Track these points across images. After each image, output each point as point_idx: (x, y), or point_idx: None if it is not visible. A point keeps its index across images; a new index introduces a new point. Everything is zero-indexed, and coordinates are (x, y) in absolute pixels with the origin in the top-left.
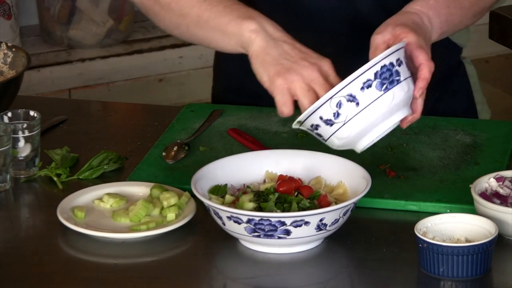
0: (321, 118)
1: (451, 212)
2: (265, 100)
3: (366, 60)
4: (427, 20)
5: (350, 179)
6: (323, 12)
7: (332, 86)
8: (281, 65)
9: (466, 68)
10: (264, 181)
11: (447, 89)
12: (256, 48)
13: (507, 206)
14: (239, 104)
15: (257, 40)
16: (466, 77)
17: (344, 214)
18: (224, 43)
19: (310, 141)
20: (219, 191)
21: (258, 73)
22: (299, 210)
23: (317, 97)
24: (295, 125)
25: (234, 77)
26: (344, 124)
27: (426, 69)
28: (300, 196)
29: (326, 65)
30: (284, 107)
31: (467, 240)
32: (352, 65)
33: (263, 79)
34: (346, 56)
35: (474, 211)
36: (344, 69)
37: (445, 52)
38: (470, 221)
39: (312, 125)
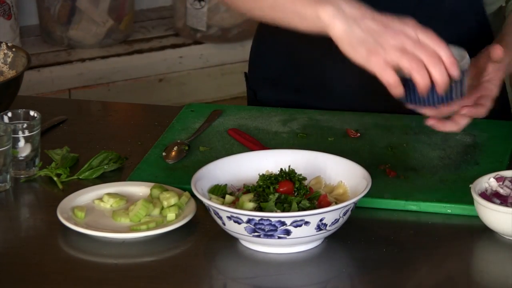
0: None
1: (451, 212)
2: (303, 94)
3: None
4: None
5: (350, 179)
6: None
7: (423, 45)
8: (369, 43)
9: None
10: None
11: None
12: (340, 32)
13: (507, 206)
14: (276, 97)
15: (337, 23)
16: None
17: (344, 214)
18: (302, 26)
19: (310, 141)
20: (219, 191)
21: (349, 55)
22: (299, 210)
23: (415, 55)
24: None
25: (273, 69)
26: None
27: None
28: (300, 196)
29: (411, 27)
30: (389, 79)
31: None
32: None
33: (358, 61)
34: None
35: (474, 211)
36: None
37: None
38: None
39: None
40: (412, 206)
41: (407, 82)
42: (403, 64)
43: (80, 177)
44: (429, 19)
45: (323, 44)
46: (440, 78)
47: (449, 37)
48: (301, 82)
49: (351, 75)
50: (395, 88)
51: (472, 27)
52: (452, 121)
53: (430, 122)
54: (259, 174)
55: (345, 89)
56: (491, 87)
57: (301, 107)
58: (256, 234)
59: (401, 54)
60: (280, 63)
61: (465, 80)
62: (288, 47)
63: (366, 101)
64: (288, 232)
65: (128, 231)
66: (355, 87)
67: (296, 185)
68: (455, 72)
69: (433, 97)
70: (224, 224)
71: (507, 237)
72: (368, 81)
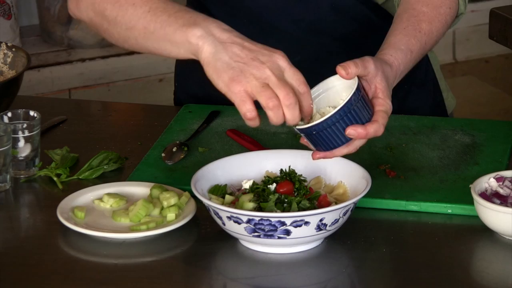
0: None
1: (452, 212)
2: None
3: (333, 67)
4: (398, 75)
5: (350, 179)
6: (286, 23)
7: (285, 81)
8: (233, 69)
9: (429, 56)
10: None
11: (415, 79)
12: (206, 55)
13: (507, 206)
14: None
15: (205, 46)
16: (430, 65)
17: (344, 214)
18: (174, 52)
19: None
20: (219, 191)
21: (213, 80)
22: (299, 210)
23: (274, 93)
24: None
25: (198, 86)
26: None
27: (374, 128)
28: (300, 196)
29: (280, 59)
30: (247, 112)
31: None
32: (320, 71)
33: (219, 86)
34: (315, 63)
35: (474, 211)
36: (313, 76)
37: None
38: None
39: None
40: (413, 206)
41: (307, 131)
42: (260, 100)
43: (80, 177)
44: (320, 13)
45: None
46: (291, 121)
47: (347, 27)
48: (220, 96)
49: None
50: (251, 121)
51: (368, 15)
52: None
53: (317, 156)
54: (264, 176)
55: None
56: (379, 101)
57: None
58: (256, 234)
59: (261, 89)
60: (199, 77)
61: (358, 110)
62: None
63: None
64: (288, 232)
65: (128, 231)
66: None
67: (296, 186)
68: (306, 119)
69: (338, 139)
70: (224, 224)
71: (507, 237)
72: None
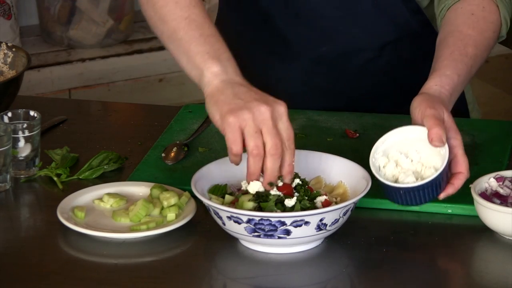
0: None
1: (452, 212)
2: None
3: (356, 64)
4: (451, 101)
5: (350, 179)
6: (323, 8)
7: (279, 132)
8: (234, 104)
9: None
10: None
11: None
12: (212, 89)
13: (507, 206)
14: None
15: (215, 82)
16: None
17: (344, 214)
18: (187, 68)
19: (310, 141)
20: (219, 191)
21: (211, 112)
22: (299, 210)
23: (263, 142)
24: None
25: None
26: None
27: (462, 180)
28: (301, 196)
29: (280, 108)
30: (234, 145)
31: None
32: (342, 66)
33: (215, 118)
34: (340, 56)
35: (474, 211)
36: (334, 70)
37: None
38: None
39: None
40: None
41: (394, 188)
42: (248, 143)
43: (80, 177)
44: (360, 5)
45: (266, 47)
46: (269, 171)
47: (383, 27)
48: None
49: (294, 75)
50: (234, 156)
51: (407, 19)
52: None
53: None
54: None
55: (289, 89)
56: (454, 151)
57: None
58: (256, 234)
59: (253, 133)
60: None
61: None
62: (233, 51)
63: (310, 101)
64: (288, 232)
65: (128, 231)
66: (298, 87)
67: (298, 190)
68: (287, 179)
69: (423, 196)
70: (224, 224)
71: (507, 237)
72: (312, 81)
